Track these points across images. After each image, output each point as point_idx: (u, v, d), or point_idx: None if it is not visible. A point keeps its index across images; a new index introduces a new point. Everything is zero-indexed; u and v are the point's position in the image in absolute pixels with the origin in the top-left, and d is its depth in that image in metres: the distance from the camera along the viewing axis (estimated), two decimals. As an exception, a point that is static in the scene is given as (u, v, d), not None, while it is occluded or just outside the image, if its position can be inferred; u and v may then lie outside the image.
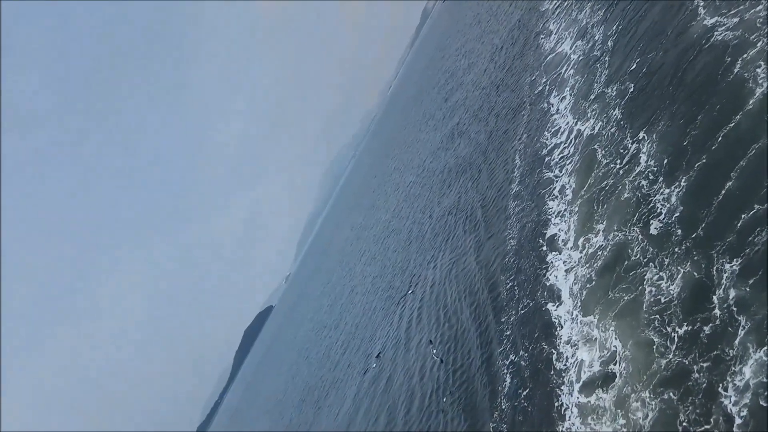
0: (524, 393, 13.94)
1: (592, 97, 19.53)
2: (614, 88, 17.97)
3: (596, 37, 22.27)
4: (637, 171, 13.98)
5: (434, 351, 21.57)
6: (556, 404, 12.42)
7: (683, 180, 11.89)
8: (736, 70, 11.91)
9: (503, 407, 14.52)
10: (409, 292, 32.85)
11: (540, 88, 26.58)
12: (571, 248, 15.62)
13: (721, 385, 8.71)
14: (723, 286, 9.53)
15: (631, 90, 16.65)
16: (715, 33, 13.39)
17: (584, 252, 14.77)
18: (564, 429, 11.73)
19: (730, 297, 9.29)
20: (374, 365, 27.24)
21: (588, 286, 13.75)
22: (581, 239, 15.21)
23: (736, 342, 8.79)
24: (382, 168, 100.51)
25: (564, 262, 15.64)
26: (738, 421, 8.16)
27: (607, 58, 19.94)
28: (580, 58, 23.07)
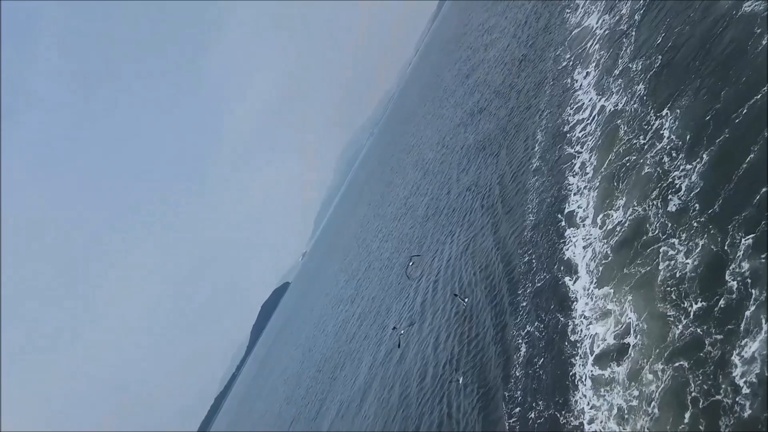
0: (539, 362, 14.28)
1: (617, 72, 19.30)
2: (639, 63, 17.75)
3: (623, 11, 21.86)
4: (659, 147, 13.93)
5: (466, 300, 21.70)
6: (570, 374, 12.72)
7: (704, 155, 11.86)
8: (765, 42, 11.71)
9: (518, 375, 14.91)
10: (410, 264, 34.80)
11: (564, 64, 26.24)
12: (590, 224, 15.72)
13: (731, 356, 8.89)
14: (738, 260, 9.63)
15: (657, 64, 16.44)
16: (745, 4, 13.13)
17: (603, 228, 14.86)
18: (577, 398, 12.04)
19: (745, 270, 9.39)
20: (402, 332, 27.77)
21: (605, 261, 13.89)
22: (600, 215, 15.28)
23: (749, 314, 8.92)
24: (401, 145, 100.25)
25: (583, 237, 15.76)
26: (745, 390, 8.35)
27: (633, 32, 19.61)
28: (606, 32, 22.69)
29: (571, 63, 25.35)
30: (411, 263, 35.35)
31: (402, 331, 27.65)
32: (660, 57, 16.48)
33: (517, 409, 14.05)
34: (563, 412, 12.19)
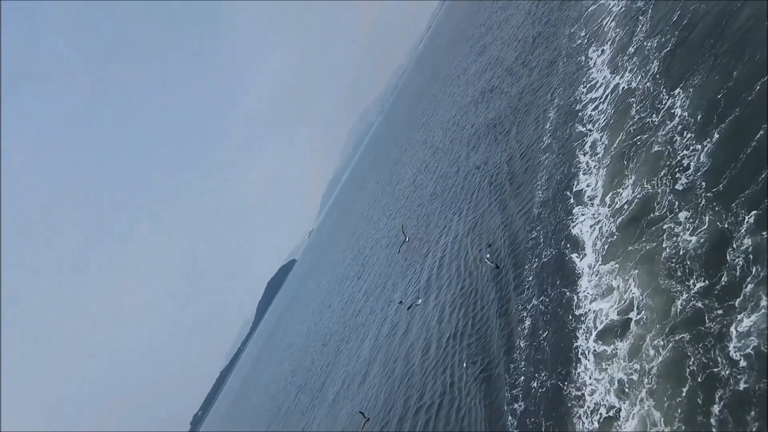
0: (543, 335, 14.57)
1: (631, 50, 19.13)
2: (654, 42, 17.59)
3: (641, -12, 21.52)
4: (670, 125, 13.94)
5: (488, 257, 21.40)
6: (573, 346, 13.01)
7: (715, 133, 11.89)
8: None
9: (521, 346, 15.23)
10: (407, 240, 35.92)
11: (578, 42, 25.97)
12: (599, 202, 15.82)
13: (730, 331, 9.10)
14: (740, 237, 9.78)
15: (672, 43, 16.31)
16: (764, -18, 12.96)
17: (611, 206, 14.97)
18: (580, 371, 12.33)
19: (747, 247, 9.54)
20: (419, 301, 28.16)
21: (611, 239, 14.03)
22: (609, 194, 15.38)
23: (749, 290, 9.11)
24: (410, 124, 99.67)
25: (591, 215, 15.88)
26: (742, 364, 8.57)
27: (649, 10, 19.38)
28: (622, 9, 22.42)
29: (585, 41, 25.09)
30: (407, 239, 36.03)
31: (419, 302, 27.94)
32: (675, 35, 16.33)
33: (521, 378, 14.40)
34: (565, 383, 12.50)
